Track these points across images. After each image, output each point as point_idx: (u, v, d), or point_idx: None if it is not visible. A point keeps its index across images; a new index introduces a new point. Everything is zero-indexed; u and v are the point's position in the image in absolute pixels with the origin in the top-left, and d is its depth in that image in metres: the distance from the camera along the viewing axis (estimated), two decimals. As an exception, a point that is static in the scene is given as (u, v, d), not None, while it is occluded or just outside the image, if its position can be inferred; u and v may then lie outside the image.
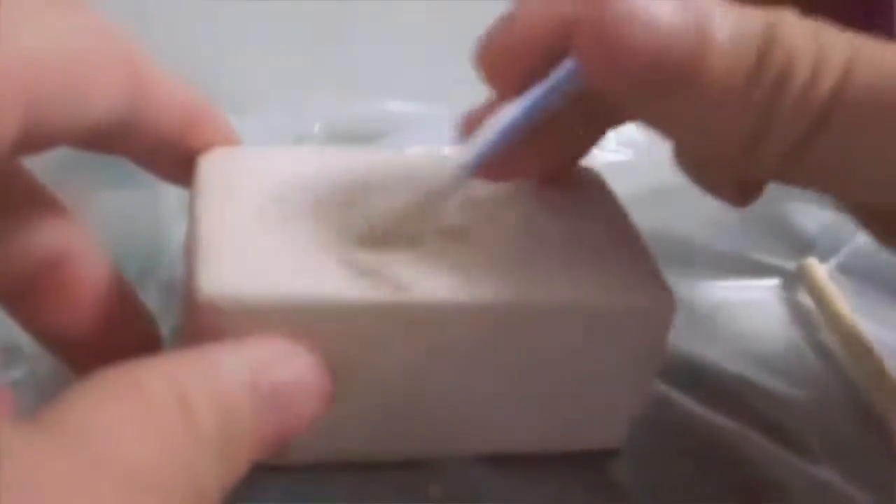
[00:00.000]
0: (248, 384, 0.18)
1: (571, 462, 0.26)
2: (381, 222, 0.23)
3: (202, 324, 0.21)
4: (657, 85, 0.18)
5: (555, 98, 0.21)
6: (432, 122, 0.36)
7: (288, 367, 0.19)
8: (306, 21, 0.39)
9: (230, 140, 0.25)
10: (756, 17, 0.18)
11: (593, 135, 0.25)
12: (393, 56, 0.38)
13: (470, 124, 0.23)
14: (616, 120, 0.25)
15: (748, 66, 0.18)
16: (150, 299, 0.27)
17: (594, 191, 0.26)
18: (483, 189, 0.25)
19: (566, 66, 0.20)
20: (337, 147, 0.35)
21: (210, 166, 0.24)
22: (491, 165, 0.22)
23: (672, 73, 0.18)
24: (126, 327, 0.24)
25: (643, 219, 0.26)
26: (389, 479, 0.24)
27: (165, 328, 0.26)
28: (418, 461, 0.25)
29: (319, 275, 0.21)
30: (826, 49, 0.18)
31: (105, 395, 0.16)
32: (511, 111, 0.21)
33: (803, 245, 0.36)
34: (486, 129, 0.22)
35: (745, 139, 0.19)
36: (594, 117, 0.24)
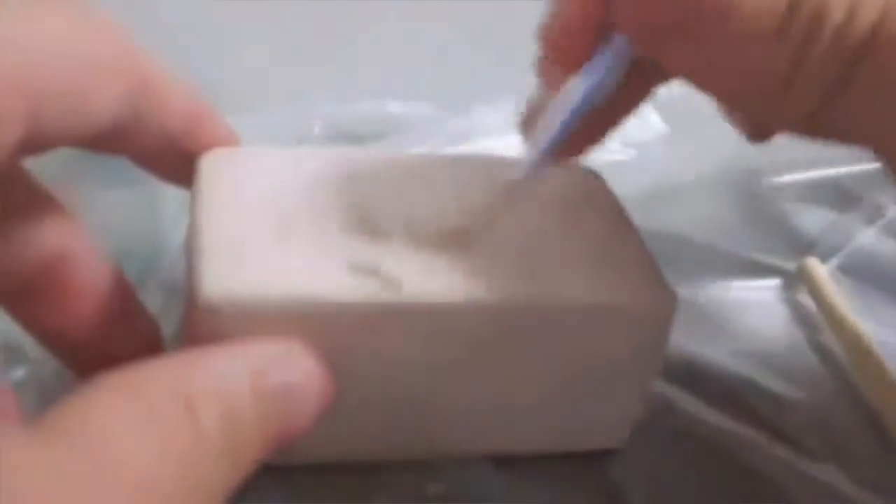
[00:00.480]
0: (251, 386, 0.18)
1: (572, 462, 0.26)
2: (469, 222, 0.23)
3: (203, 325, 0.21)
4: (689, 25, 0.18)
5: (612, 73, 0.21)
6: (432, 122, 0.36)
7: (290, 367, 0.19)
8: (306, 21, 0.39)
9: (231, 141, 0.25)
10: None
11: (637, 98, 0.25)
12: (393, 56, 0.38)
13: (531, 117, 0.23)
14: (658, 79, 0.24)
15: (781, 4, 0.18)
16: (151, 300, 0.27)
17: (594, 191, 0.26)
18: (483, 189, 0.25)
19: (619, 39, 0.21)
20: (337, 147, 0.35)
21: (211, 167, 0.24)
22: (562, 149, 0.22)
23: (703, 12, 0.18)
24: (127, 328, 0.24)
25: (643, 219, 0.26)
26: (389, 478, 0.24)
27: (166, 329, 0.26)
28: (418, 461, 0.25)
29: (320, 276, 0.21)
30: None
31: (108, 399, 0.16)
32: (574, 93, 0.22)
33: (804, 245, 0.36)
34: (552, 116, 0.22)
35: (778, 81, 0.18)
36: (637, 80, 0.24)
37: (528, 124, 0.23)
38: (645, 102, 0.25)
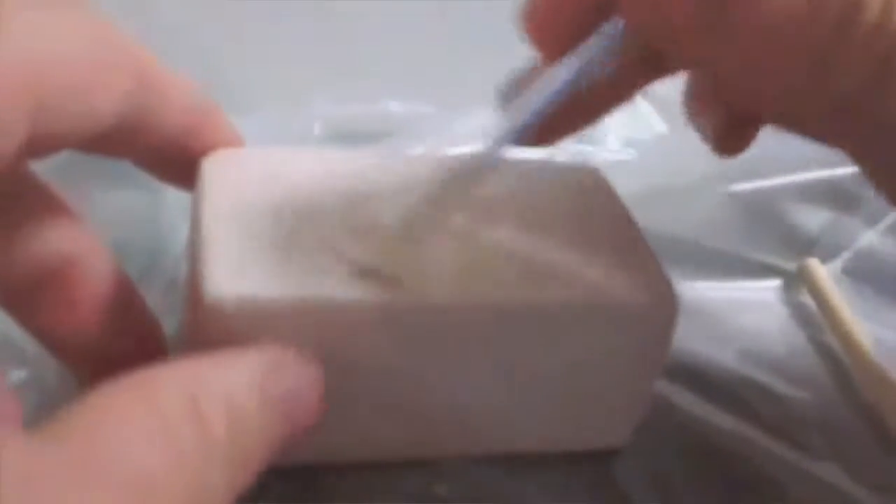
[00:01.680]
0: (257, 391, 0.18)
1: (574, 461, 0.26)
2: (415, 208, 0.23)
3: (206, 325, 0.21)
4: (709, 17, 0.17)
5: (601, 60, 0.20)
6: (433, 122, 0.36)
7: (296, 373, 0.19)
8: (306, 21, 0.39)
9: (234, 142, 0.25)
10: None
11: (625, 92, 0.24)
12: (393, 56, 0.38)
13: (511, 90, 0.22)
14: (653, 74, 0.23)
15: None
16: (153, 300, 0.27)
17: (596, 190, 0.26)
18: (484, 188, 0.25)
19: (611, 25, 0.20)
20: (338, 148, 0.35)
21: (213, 168, 0.24)
22: (536, 131, 0.21)
23: (724, 4, 0.17)
24: (129, 329, 0.24)
25: (644, 219, 0.26)
26: (391, 479, 0.24)
27: (168, 329, 0.26)
28: (421, 461, 0.25)
29: (322, 276, 0.21)
30: None
31: (115, 405, 0.16)
32: (556, 76, 0.20)
33: (804, 245, 0.36)
34: (530, 95, 0.21)
35: (814, 63, 0.18)
36: (638, 70, 0.23)
37: (506, 97, 0.22)
38: (633, 98, 0.24)
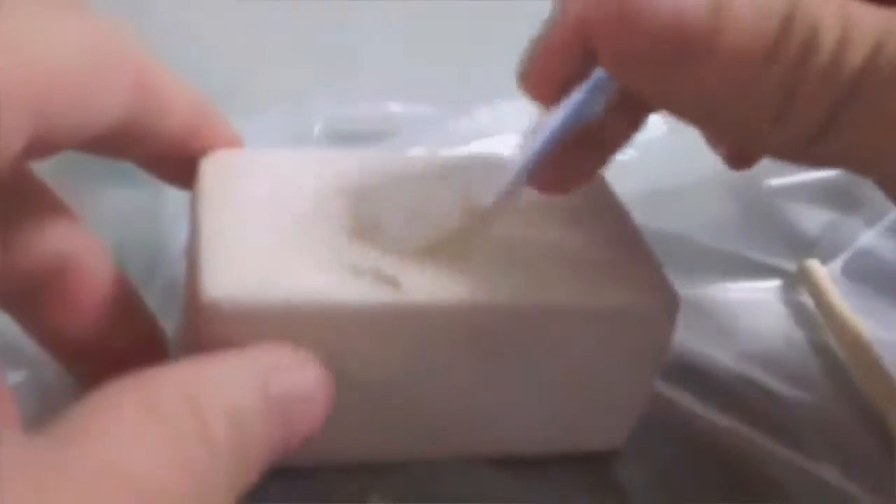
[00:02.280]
0: (259, 392, 0.18)
1: (573, 462, 0.26)
2: (469, 223, 0.23)
3: (205, 326, 0.21)
4: (672, 58, 0.18)
5: (593, 103, 0.21)
6: (433, 122, 0.36)
7: (299, 374, 0.19)
8: (307, 22, 0.39)
9: (233, 142, 0.25)
10: None
11: (627, 130, 0.24)
12: (393, 56, 0.38)
13: (528, 136, 0.23)
14: (646, 111, 0.24)
15: (768, 39, 0.17)
16: (153, 300, 0.27)
17: (596, 191, 0.26)
18: (483, 190, 0.25)
19: (599, 70, 0.20)
20: (338, 148, 0.35)
21: (212, 168, 0.24)
22: (544, 177, 0.22)
23: (687, 46, 0.17)
24: (130, 330, 0.24)
25: (643, 219, 0.26)
26: (390, 481, 0.24)
27: (167, 329, 0.26)
28: (419, 463, 0.25)
29: (321, 277, 0.21)
30: (854, 22, 0.17)
31: (116, 408, 0.16)
32: (550, 123, 0.21)
33: (804, 246, 0.36)
34: (528, 142, 0.22)
35: (765, 116, 0.18)
36: (626, 112, 0.23)
37: (523, 144, 0.23)
38: (632, 138, 0.24)
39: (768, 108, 0.18)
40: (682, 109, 0.20)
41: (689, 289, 0.32)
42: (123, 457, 0.15)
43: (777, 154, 0.20)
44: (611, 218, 0.25)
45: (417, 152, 0.35)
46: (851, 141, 0.18)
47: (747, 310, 0.33)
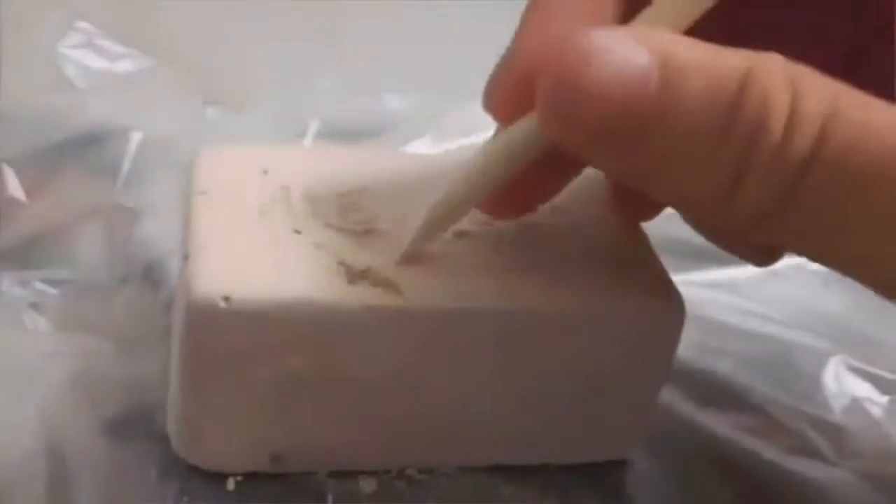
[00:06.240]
0: None
1: (579, 472, 0.25)
2: (469, 223, 0.23)
3: (195, 326, 0.20)
4: (615, 135, 0.17)
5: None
6: (431, 118, 0.36)
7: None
8: (304, 17, 0.39)
9: None
10: (731, 65, 0.17)
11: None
12: (392, 52, 0.38)
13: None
14: None
15: (717, 121, 0.17)
16: (145, 298, 0.27)
17: (600, 193, 0.26)
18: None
19: None
20: (334, 144, 0.35)
21: (206, 165, 0.24)
22: (496, 202, 0.22)
23: (632, 122, 0.17)
24: None
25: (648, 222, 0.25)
26: (393, 487, 0.24)
27: (162, 327, 0.26)
28: (422, 470, 0.24)
29: (316, 277, 0.21)
30: (804, 101, 0.16)
31: None
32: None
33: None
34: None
35: (716, 194, 0.17)
36: None
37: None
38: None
39: (719, 186, 0.17)
40: (628, 180, 0.19)
41: (691, 291, 0.32)
42: None
43: (729, 232, 0.20)
44: (615, 221, 0.25)
45: (415, 147, 0.35)
46: (801, 224, 0.17)
47: (748, 311, 0.32)
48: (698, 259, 0.22)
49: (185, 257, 0.21)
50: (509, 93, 0.21)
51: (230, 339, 0.21)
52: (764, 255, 0.23)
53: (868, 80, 0.17)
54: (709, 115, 0.17)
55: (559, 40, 0.17)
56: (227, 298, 0.20)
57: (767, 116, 0.16)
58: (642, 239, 0.25)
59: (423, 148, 0.35)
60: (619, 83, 0.17)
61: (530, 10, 0.21)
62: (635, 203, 0.24)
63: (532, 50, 0.20)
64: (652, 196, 0.19)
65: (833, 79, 0.17)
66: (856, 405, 0.29)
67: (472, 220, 0.23)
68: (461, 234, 0.23)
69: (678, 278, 0.24)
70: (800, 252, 0.19)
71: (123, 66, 0.35)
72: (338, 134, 0.35)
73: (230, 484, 0.23)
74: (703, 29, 0.18)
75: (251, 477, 0.23)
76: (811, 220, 0.17)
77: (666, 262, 0.24)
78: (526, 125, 0.20)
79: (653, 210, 0.25)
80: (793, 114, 0.16)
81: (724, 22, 0.18)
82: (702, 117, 0.17)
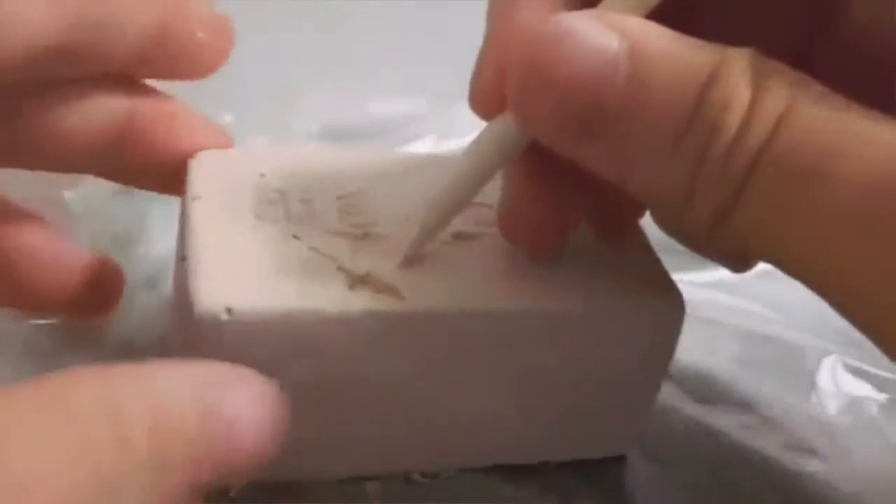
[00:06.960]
0: (190, 405, 0.17)
1: (579, 469, 0.25)
2: (469, 224, 0.23)
3: (198, 336, 0.20)
4: (582, 125, 0.17)
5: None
6: (430, 119, 0.36)
7: (236, 392, 0.18)
8: (303, 20, 0.39)
9: (215, 141, 0.24)
10: (700, 59, 0.17)
11: None
12: (391, 54, 0.38)
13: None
14: None
15: (682, 113, 0.16)
16: (142, 303, 0.27)
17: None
18: (483, 194, 0.24)
19: None
20: (333, 147, 0.35)
21: (202, 170, 0.24)
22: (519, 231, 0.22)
23: (596, 115, 0.17)
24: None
25: (646, 219, 0.25)
26: (396, 489, 0.24)
27: (156, 332, 0.26)
28: (423, 472, 0.24)
29: (317, 284, 0.21)
30: (765, 97, 0.16)
31: (27, 408, 0.15)
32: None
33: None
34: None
35: (678, 193, 0.17)
36: None
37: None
38: None
39: (677, 182, 0.17)
40: (601, 172, 0.19)
41: (690, 289, 0.32)
42: (30, 464, 0.14)
43: (689, 236, 0.20)
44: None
45: (415, 148, 0.35)
46: (754, 224, 0.17)
47: (748, 310, 0.32)
48: (698, 259, 0.21)
49: (183, 266, 0.21)
50: (488, 88, 0.20)
51: (233, 350, 0.20)
52: (736, 261, 0.23)
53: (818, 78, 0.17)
54: (672, 110, 0.17)
55: (527, 28, 0.17)
56: (229, 310, 0.20)
57: (725, 115, 0.16)
58: (642, 238, 0.24)
59: (423, 149, 0.35)
60: (588, 67, 0.16)
61: (495, 3, 0.21)
62: (606, 217, 0.24)
63: (503, 41, 0.20)
64: (627, 191, 0.19)
65: (799, 74, 0.17)
66: (853, 404, 0.29)
67: (471, 222, 0.23)
68: (460, 236, 0.23)
69: (678, 278, 0.24)
70: (759, 256, 0.18)
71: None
72: (337, 136, 0.35)
73: (233, 491, 0.23)
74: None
75: (254, 484, 0.23)
76: (762, 219, 0.17)
77: (666, 262, 0.24)
78: (504, 119, 0.20)
79: (625, 226, 0.24)
80: (750, 111, 0.16)
81: (674, 21, 0.18)
82: (666, 110, 0.17)
